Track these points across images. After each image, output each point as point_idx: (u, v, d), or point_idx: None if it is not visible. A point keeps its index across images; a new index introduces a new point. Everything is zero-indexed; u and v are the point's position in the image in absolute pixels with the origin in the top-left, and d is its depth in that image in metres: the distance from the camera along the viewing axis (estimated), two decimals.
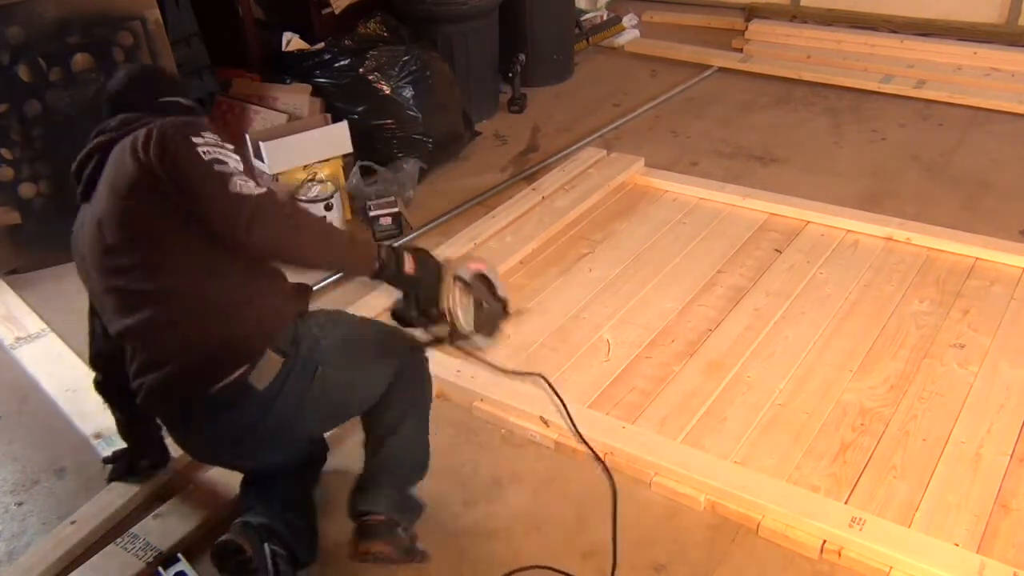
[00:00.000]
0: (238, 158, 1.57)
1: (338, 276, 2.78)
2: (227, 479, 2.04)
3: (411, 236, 3.10)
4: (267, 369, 1.59)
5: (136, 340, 1.64)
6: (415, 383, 1.86)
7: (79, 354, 2.60)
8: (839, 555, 1.82)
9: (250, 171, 1.59)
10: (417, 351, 1.84)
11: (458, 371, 2.33)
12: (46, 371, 2.53)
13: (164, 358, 1.61)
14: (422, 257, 1.71)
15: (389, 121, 3.36)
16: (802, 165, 3.47)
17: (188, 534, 1.93)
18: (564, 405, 2.17)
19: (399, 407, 1.81)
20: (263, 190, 1.52)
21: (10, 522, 2.08)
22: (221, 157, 1.54)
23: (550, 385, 2.24)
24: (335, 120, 3.24)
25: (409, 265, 1.67)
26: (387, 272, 1.65)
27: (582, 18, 4.77)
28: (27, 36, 2.77)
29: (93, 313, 1.86)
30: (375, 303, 2.59)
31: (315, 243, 1.58)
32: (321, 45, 3.49)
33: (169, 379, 1.61)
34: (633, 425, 2.17)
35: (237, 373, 1.57)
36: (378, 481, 1.81)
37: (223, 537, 1.74)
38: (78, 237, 1.73)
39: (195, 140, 1.54)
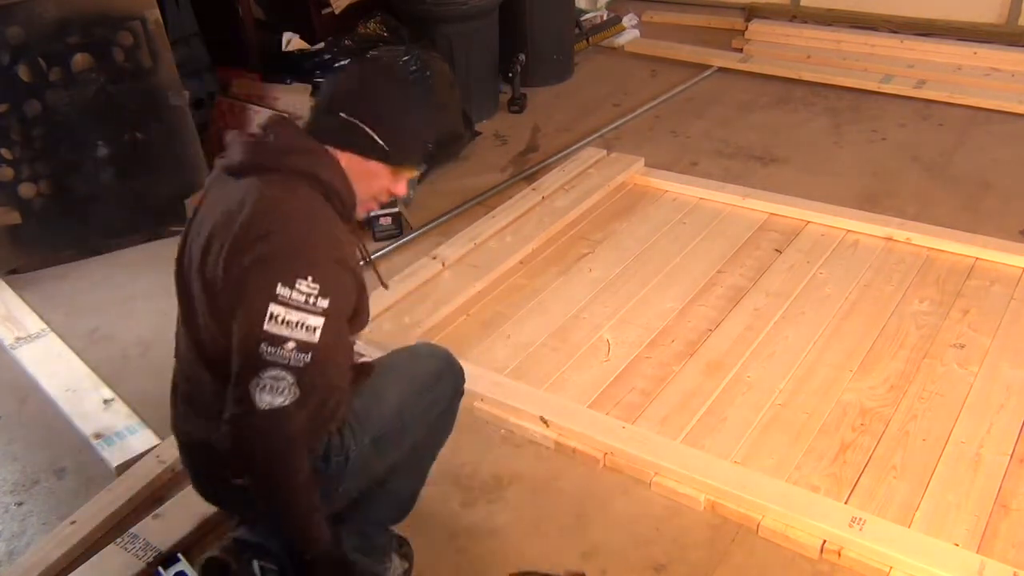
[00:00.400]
0: (319, 324, 1.34)
1: None
2: None
3: (411, 236, 3.10)
4: None
5: (184, 388, 1.58)
6: (435, 445, 1.80)
7: (79, 354, 2.60)
8: (839, 555, 1.82)
9: (334, 339, 1.38)
10: (453, 408, 1.78)
11: None
12: (46, 371, 2.53)
13: (200, 426, 1.56)
14: None
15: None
16: (802, 165, 3.47)
17: (188, 534, 1.92)
18: None
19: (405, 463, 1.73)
20: (282, 404, 1.32)
21: (10, 522, 2.08)
22: (283, 332, 1.32)
23: None
24: None
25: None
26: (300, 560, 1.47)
27: (582, 18, 4.77)
28: (27, 36, 2.77)
29: None
30: (381, 300, 2.58)
31: (267, 500, 1.42)
32: (321, 45, 3.49)
33: (197, 449, 1.59)
34: (633, 425, 2.16)
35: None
36: (344, 518, 1.71)
37: (210, 553, 1.72)
38: (202, 220, 1.49)
39: (280, 293, 1.33)
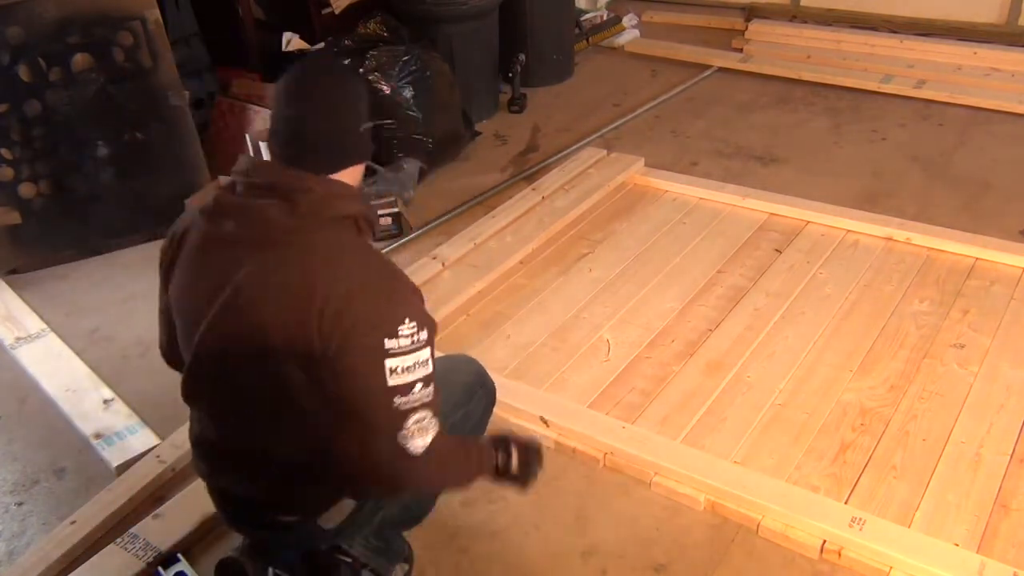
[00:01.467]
0: (428, 355, 1.39)
1: None
2: None
3: (411, 236, 3.10)
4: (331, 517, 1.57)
5: (208, 443, 1.57)
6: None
7: (79, 354, 2.60)
8: (839, 555, 1.82)
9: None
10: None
11: None
12: (46, 371, 2.53)
13: (228, 480, 1.58)
14: (528, 458, 1.63)
15: (389, 121, 3.36)
16: (802, 165, 3.47)
17: (188, 534, 1.92)
18: None
19: None
20: (432, 438, 1.39)
21: (10, 522, 2.08)
22: (408, 379, 1.35)
23: None
24: None
25: (515, 465, 1.60)
26: (498, 477, 1.61)
27: (582, 18, 4.77)
28: (27, 36, 2.77)
29: (167, 315, 1.62)
30: None
31: (452, 484, 1.62)
32: (321, 45, 3.49)
33: (227, 496, 1.60)
34: (633, 425, 2.16)
35: (295, 518, 1.57)
36: (361, 520, 1.69)
37: (228, 555, 1.72)
38: (190, 265, 1.47)
39: (389, 347, 1.34)
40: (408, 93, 3.37)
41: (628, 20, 4.94)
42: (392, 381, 1.35)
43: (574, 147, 3.67)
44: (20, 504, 2.13)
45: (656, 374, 2.36)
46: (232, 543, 1.93)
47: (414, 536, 1.87)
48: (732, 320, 2.55)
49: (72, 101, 2.89)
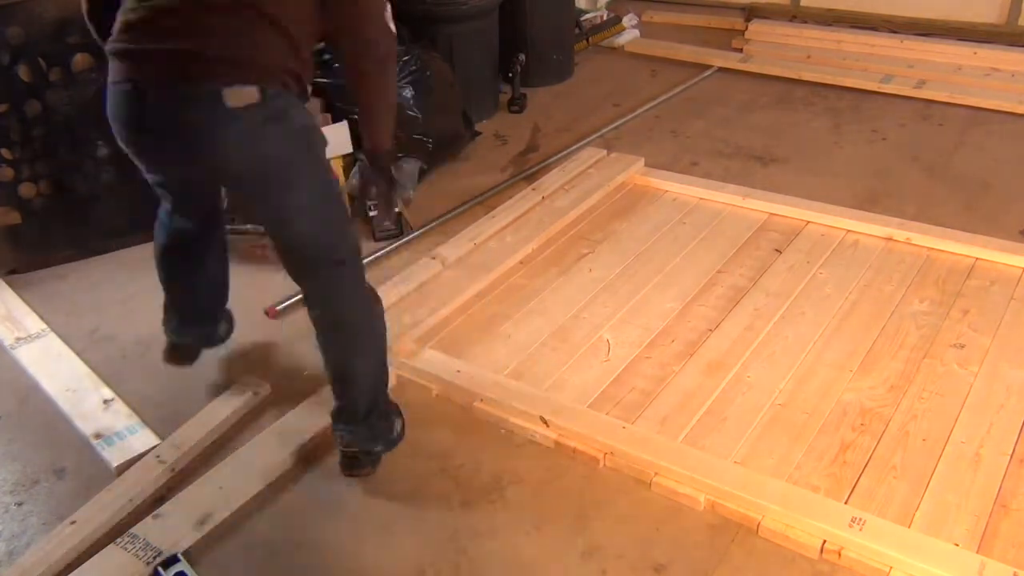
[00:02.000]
0: None
1: None
2: (229, 479, 2.05)
3: (411, 236, 3.10)
4: (243, 95, 1.65)
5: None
6: (368, 301, 2.01)
7: (79, 354, 2.60)
8: (839, 555, 1.82)
9: None
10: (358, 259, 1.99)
11: (458, 371, 2.32)
12: (46, 371, 2.53)
13: (170, 36, 1.66)
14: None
15: None
16: (802, 165, 3.47)
17: (188, 534, 1.92)
18: None
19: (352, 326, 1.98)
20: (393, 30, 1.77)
21: (10, 522, 2.08)
22: None
23: None
24: (335, 120, 3.24)
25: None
26: (391, 153, 1.95)
27: (582, 18, 4.78)
28: (27, 36, 2.77)
29: None
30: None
31: (389, 96, 1.87)
32: (321, 45, 3.49)
33: (162, 59, 1.66)
34: (633, 425, 2.16)
35: (218, 83, 1.64)
36: (354, 409, 2.00)
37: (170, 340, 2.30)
38: None
39: None
40: (408, 93, 3.37)
41: (628, 20, 4.95)
42: None
43: (574, 147, 3.67)
44: (20, 504, 2.13)
45: (656, 374, 2.36)
46: (231, 543, 1.94)
47: (414, 536, 1.88)
48: (732, 320, 2.55)
49: (72, 101, 2.89)
